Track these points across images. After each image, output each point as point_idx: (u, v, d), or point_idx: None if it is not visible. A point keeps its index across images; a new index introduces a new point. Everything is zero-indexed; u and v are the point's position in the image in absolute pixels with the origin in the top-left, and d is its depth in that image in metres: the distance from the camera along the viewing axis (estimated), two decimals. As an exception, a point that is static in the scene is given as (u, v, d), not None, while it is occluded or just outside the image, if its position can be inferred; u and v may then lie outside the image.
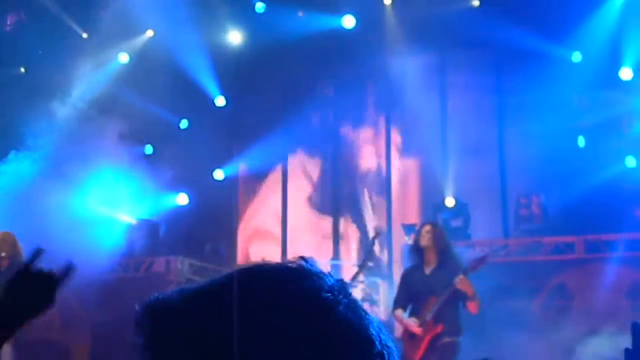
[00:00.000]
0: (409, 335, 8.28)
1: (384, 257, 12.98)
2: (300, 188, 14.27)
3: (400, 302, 8.52)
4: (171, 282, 11.89)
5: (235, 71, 14.20)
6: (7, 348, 9.37)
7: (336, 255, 12.86)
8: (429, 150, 13.25)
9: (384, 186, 13.69)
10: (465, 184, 12.87)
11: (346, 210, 13.95)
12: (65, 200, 11.96)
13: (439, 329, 8.10)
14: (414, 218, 12.93)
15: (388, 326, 11.01)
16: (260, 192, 14.50)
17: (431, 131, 13.21)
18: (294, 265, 1.11)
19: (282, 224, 14.17)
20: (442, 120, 13.40)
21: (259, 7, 13.68)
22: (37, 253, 2.60)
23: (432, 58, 12.96)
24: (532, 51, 12.33)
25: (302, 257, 1.14)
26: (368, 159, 13.96)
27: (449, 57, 13.33)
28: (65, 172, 12.14)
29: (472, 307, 8.14)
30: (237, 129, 14.32)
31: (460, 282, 8.01)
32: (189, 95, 13.95)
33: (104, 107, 13.62)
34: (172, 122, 14.24)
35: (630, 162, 11.90)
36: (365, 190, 13.88)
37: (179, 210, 13.82)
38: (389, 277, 12.51)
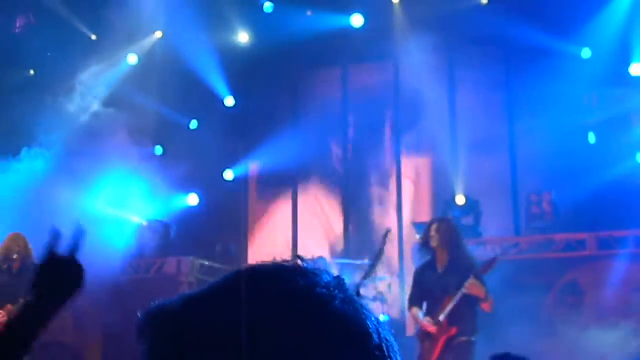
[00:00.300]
0: (424, 334, 8.26)
1: (395, 255, 12.97)
2: (310, 187, 14.26)
3: (414, 300, 8.49)
4: (182, 283, 11.91)
5: (244, 71, 14.22)
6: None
7: (347, 254, 12.85)
8: (439, 147, 13.24)
9: (395, 184, 13.67)
10: (475, 181, 12.85)
11: (356, 208, 13.94)
12: (76, 200, 11.98)
13: (453, 330, 8.07)
14: (425, 216, 12.92)
15: (399, 324, 11.00)
16: (270, 191, 14.50)
17: (441, 128, 13.19)
18: (289, 264, 1.13)
19: (292, 223, 14.18)
20: (452, 117, 13.38)
21: (267, 6, 13.69)
22: (56, 235, 2.56)
23: (441, 55, 12.94)
24: (541, 47, 12.30)
25: (298, 256, 1.15)
26: (378, 156, 13.94)
27: (457, 54, 13.31)
28: (76, 173, 12.17)
29: (485, 307, 8.11)
30: (246, 129, 14.33)
31: (470, 286, 7.95)
32: (198, 96, 13.97)
33: (113, 108, 13.64)
34: (181, 123, 14.27)
35: (641, 158, 11.88)
36: (376, 188, 13.86)
37: (189, 211, 13.85)
38: (400, 275, 12.51)
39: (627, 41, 12.09)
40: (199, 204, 14.05)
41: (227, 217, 14.11)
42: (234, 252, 13.68)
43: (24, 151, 12.52)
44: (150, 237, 12.80)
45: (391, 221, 13.29)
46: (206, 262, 12.62)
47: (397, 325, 11.16)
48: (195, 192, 14.05)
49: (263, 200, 14.55)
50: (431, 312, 8.23)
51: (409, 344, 8.55)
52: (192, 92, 13.84)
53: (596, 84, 12.20)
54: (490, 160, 13.07)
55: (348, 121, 14.19)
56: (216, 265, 12.70)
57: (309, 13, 13.61)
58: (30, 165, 12.34)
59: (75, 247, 2.55)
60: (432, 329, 8.13)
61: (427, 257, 8.52)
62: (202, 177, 14.02)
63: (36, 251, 9.75)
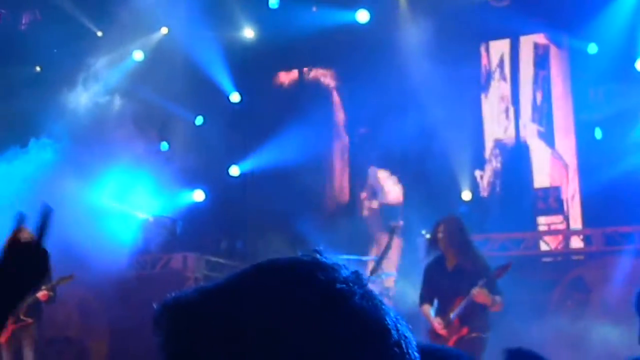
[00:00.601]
0: (435, 334, 8.23)
1: (401, 251, 12.95)
2: (317, 182, 14.25)
3: (425, 297, 8.46)
4: (188, 279, 11.93)
5: (249, 67, 14.22)
6: (27, 345, 9.46)
7: (353, 249, 12.84)
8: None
9: (401, 177, 13.66)
10: (482, 177, 12.84)
11: (362, 203, 13.94)
12: (82, 194, 12.01)
13: (464, 331, 8.04)
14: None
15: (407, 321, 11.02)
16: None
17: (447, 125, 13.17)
18: (308, 259, 1.12)
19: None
20: (459, 114, 13.36)
21: (273, 2, 13.68)
22: (22, 219, 2.45)
23: (447, 51, 12.91)
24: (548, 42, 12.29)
25: (316, 250, 1.14)
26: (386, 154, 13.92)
27: (464, 50, 13.28)
28: (82, 168, 12.18)
29: (494, 309, 8.08)
30: (252, 125, 14.33)
31: (477, 294, 7.91)
32: (204, 92, 13.98)
33: (119, 104, 13.66)
34: (187, 119, 14.27)
35: (648, 154, 11.84)
36: (382, 183, 13.85)
37: (195, 207, 13.85)
38: (405, 271, 12.49)
39: (634, 37, 12.05)
40: (205, 200, 14.06)
41: (233, 213, 14.11)
42: (240, 248, 13.69)
43: (31, 142, 12.54)
44: (156, 233, 12.82)
45: (397, 217, 13.27)
46: (212, 258, 12.63)
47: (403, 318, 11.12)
48: (201, 188, 14.06)
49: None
50: (442, 311, 8.19)
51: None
52: (197, 88, 13.84)
53: (602, 79, 12.17)
54: (496, 156, 13.06)
55: (353, 116, 14.17)
56: (222, 261, 12.71)
57: (314, 9, 13.60)
58: (37, 156, 12.33)
59: (42, 229, 2.38)
60: (442, 332, 8.11)
61: (437, 254, 8.47)
62: (208, 173, 14.03)
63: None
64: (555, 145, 12.79)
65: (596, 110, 12.20)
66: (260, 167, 13.75)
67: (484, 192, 12.98)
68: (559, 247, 11.54)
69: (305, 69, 14.65)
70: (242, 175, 14.24)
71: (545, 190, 12.55)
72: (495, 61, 13.42)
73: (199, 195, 14.05)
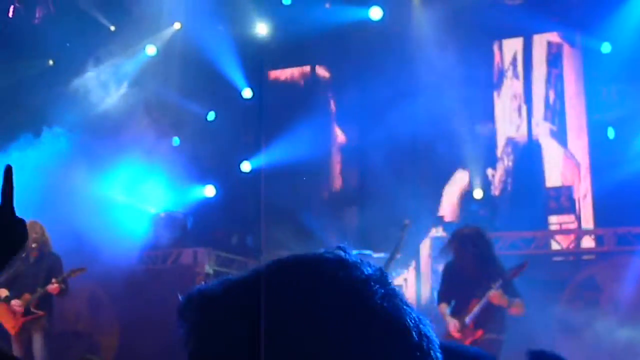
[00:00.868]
0: (449, 336, 8.22)
1: (413, 248, 12.94)
2: (325, 178, 14.25)
3: (443, 297, 8.46)
4: (198, 274, 11.94)
5: (262, 63, 14.21)
6: (38, 339, 9.49)
7: (364, 246, 12.83)
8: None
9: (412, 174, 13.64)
10: (494, 175, 12.81)
11: (373, 200, 13.92)
12: (94, 190, 12.04)
13: (479, 334, 8.04)
14: (444, 210, 12.93)
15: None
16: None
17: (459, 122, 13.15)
18: (331, 256, 1.11)
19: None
20: (471, 112, 13.33)
21: (286, -2, 13.69)
22: (8, 173, 2.11)
23: (460, 49, 12.88)
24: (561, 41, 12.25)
25: (339, 247, 1.13)
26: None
27: (477, 48, 13.24)
28: (94, 164, 12.21)
29: (513, 312, 8.06)
30: (264, 121, 14.32)
31: (493, 296, 7.90)
32: (216, 88, 13.99)
33: (131, 99, 13.68)
34: (199, 114, 14.28)
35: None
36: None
37: (206, 202, 13.87)
38: (417, 268, 12.48)
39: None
40: (216, 195, 14.07)
41: (244, 208, 14.12)
42: (251, 243, 13.70)
43: (44, 130, 12.56)
44: (167, 227, 12.83)
45: (409, 213, 13.25)
46: (223, 254, 12.64)
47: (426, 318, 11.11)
48: (212, 184, 14.07)
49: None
50: (459, 312, 8.19)
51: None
52: (210, 84, 13.86)
53: (616, 79, 12.12)
54: (509, 155, 13.03)
55: (363, 111, 14.14)
56: (232, 256, 12.72)
57: (327, 6, 13.59)
58: (50, 145, 12.35)
59: (5, 191, 2.09)
60: (456, 335, 8.10)
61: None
62: (219, 169, 14.04)
63: (53, 239, 9.80)
64: (568, 144, 12.75)
65: (609, 110, 12.16)
66: (271, 163, 13.74)
67: (496, 191, 12.95)
68: (571, 247, 11.51)
69: (317, 66, 14.64)
70: (253, 170, 14.25)
71: (557, 189, 12.52)
72: (508, 59, 13.38)
73: (210, 191, 14.07)
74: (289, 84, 14.48)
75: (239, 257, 12.71)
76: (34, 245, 9.48)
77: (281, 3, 13.73)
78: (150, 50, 14.09)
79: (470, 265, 8.17)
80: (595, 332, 9.70)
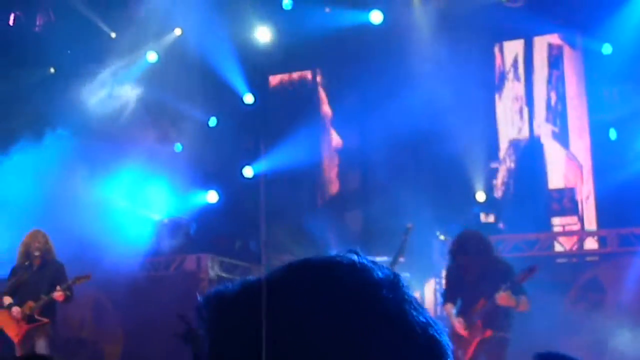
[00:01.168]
0: (456, 335, 8.21)
1: (416, 252, 12.92)
2: (329, 183, 14.24)
3: (449, 297, 8.46)
4: (202, 280, 11.93)
5: (263, 68, 14.22)
6: (42, 346, 9.48)
7: (366, 250, 12.82)
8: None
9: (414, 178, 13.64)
10: (497, 177, 12.81)
11: (376, 203, 13.91)
12: (97, 196, 12.05)
13: (487, 333, 8.04)
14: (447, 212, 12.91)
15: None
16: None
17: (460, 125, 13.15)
18: (342, 259, 1.12)
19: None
20: (473, 114, 13.33)
21: (287, 3, 13.68)
22: None
23: (461, 52, 12.88)
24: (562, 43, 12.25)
25: (352, 250, 1.14)
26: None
27: (478, 50, 13.25)
28: (96, 170, 12.23)
29: (521, 309, 8.06)
30: (265, 126, 14.33)
31: (500, 298, 7.89)
32: (218, 93, 14.00)
33: (133, 105, 13.70)
34: (201, 120, 14.28)
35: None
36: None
37: (209, 208, 13.87)
38: (420, 272, 12.46)
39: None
40: (219, 201, 14.07)
41: (247, 214, 14.11)
42: (254, 248, 13.69)
43: (47, 133, 12.57)
44: (170, 234, 12.83)
45: (411, 217, 13.24)
46: (226, 259, 12.63)
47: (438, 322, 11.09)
48: (215, 190, 14.07)
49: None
50: (465, 311, 8.19)
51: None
52: (211, 90, 13.86)
53: (617, 80, 12.12)
54: (510, 156, 13.03)
55: (365, 116, 14.15)
56: (236, 262, 12.71)
57: (327, 10, 13.60)
58: (52, 148, 12.34)
59: None
60: (463, 333, 8.10)
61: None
62: (222, 174, 14.04)
63: (56, 246, 9.80)
64: (570, 145, 12.75)
65: (611, 111, 12.15)
66: (273, 168, 13.74)
67: (498, 193, 12.95)
68: (574, 248, 11.50)
69: (318, 70, 14.64)
70: (256, 176, 14.25)
71: (560, 191, 12.51)
72: (509, 61, 13.39)
73: (212, 197, 14.07)
74: (290, 89, 14.48)
75: (242, 262, 12.70)
76: (37, 254, 9.49)
77: (282, 8, 13.74)
78: (151, 56, 14.10)
79: (474, 267, 8.18)
80: (599, 333, 9.68)
